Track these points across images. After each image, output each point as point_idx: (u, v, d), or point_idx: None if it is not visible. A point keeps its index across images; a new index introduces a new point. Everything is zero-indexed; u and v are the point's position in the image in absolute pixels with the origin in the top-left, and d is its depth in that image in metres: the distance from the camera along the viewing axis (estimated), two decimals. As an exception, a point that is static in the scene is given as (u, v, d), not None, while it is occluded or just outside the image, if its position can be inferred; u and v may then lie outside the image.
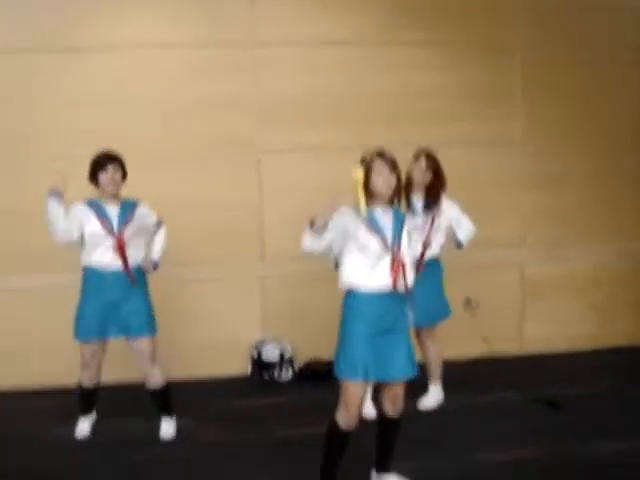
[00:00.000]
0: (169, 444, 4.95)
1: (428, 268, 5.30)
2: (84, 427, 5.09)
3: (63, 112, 6.02)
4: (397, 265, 3.91)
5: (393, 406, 4.09)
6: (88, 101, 6.04)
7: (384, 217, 3.97)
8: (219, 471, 4.52)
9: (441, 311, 5.48)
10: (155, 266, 5.05)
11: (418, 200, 5.31)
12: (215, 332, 6.32)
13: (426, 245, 5.30)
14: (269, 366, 6.27)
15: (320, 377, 6.16)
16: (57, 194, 4.72)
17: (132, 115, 6.07)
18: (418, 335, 5.45)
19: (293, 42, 6.28)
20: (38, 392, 5.96)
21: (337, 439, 4.05)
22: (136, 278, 4.95)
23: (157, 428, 5.11)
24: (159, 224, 5.14)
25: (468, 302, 6.46)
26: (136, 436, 5.05)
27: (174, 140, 6.16)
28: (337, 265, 4.07)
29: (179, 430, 5.13)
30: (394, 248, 3.92)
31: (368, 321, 3.91)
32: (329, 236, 3.88)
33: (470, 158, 6.39)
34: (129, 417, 5.27)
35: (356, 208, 3.91)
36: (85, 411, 5.13)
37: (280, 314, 6.41)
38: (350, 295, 3.98)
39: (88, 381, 5.02)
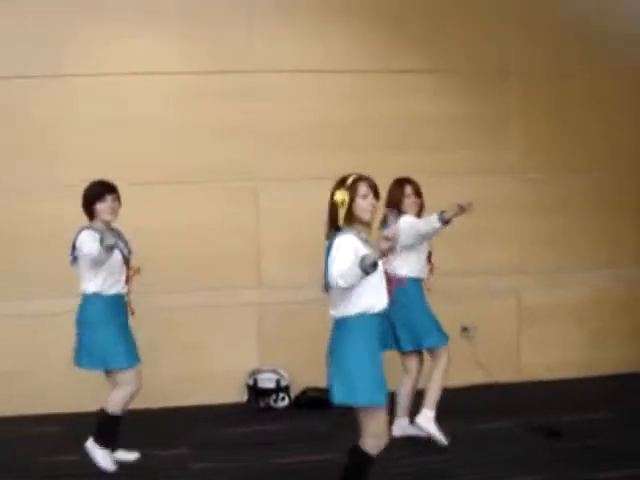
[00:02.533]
0: (164, 471, 4.89)
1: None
2: (112, 459, 4.92)
3: (60, 137, 6.03)
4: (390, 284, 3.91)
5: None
6: (82, 126, 6.04)
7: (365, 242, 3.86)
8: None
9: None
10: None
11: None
12: (211, 359, 6.28)
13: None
14: (265, 393, 6.24)
15: (316, 405, 6.12)
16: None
17: (130, 141, 6.08)
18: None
19: (294, 69, 6.31)
20: (40, 418, 5.90)
21: (369, 466, 3.92)
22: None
23: (149, 456, 5.06)
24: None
25: (465, 329, 6.45)
26: (129, 463, 4.98)
27: (172, 166, 6.17)
28: (326, 289, 3.92)
29: (173, 457, 5.09)
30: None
31: (369, 344, 3.81)
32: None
33: (468, 185, 6.39)
34: (119, 445, 5.21)
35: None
36: (113, 442, 4.94)
37: (276, 341, 6.38)
38: (360, 318, 3.82)
39: (124, 407, 4.92)
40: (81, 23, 6.04)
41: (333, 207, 3.88)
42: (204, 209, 6.24)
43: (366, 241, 3.83)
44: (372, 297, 3.83)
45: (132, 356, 4.86)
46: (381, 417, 3.84)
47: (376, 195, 3.90)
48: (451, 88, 6.50)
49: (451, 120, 6.49)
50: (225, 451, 5.23)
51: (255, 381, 6.28)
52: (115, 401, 4.87)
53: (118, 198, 4.85)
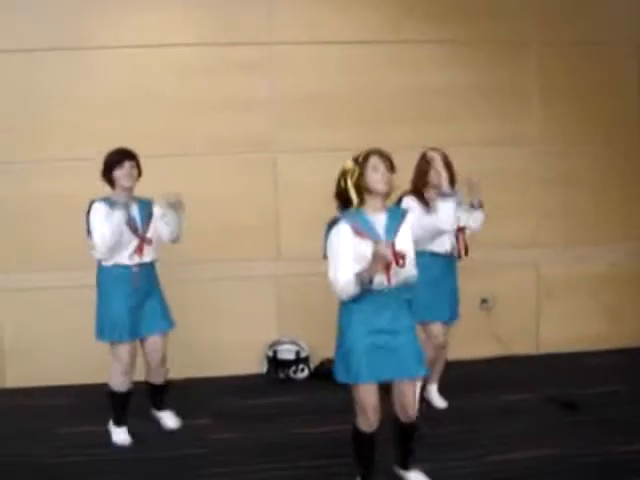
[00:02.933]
0: (183, 442, 4.97)
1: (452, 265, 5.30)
2: (124, 435, 4.98)
3: (73, 111, 6.06)
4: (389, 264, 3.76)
5: (402, 411, 4.04)
6: (101, 100, 6.07)
7: (377, 221, 3.85)
8: (234, 468, 4.53)
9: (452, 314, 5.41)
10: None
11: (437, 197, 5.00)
12: (231, 331, 6.34)
13: (460, 232, 5.22)
14: (285, 365, 6.29)
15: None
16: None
17: (147, 114, 6.09)
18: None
19: (309, 41, 6.28)
20: (52, 389, 6.01)
21: (364, 444, 4.02)
22: (152, 274, 5.01)
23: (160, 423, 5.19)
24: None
25: (484, 301, 6.47)
26: (149, 434, 5.09)
27: (190, 139, 6.18)
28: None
29: (194, 427, 5.17)
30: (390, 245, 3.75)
31: (367, 321, 3.83)
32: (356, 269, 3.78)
33: (484, 157, 6.37)
34: (140, 416, 5.26)
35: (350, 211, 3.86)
36: (123, 420, 5.01)
37: (296, 313, 6.41)
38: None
39: (127, 384, 4.95)
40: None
41: (341, 180, 3.90)
42: (221, 181, 6.26)
43: (369, 224, 3.82)
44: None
45: (123, 330, 4.83)
46: (360, 394, 3.88)
47: (391, 168, 3.86)
48: (467, 59, 6.45)
49: (466, 92, 6.44)
50: (245, 422, 5.29)
51: (275, 352, 6.32)
52: (111, 377, 4.94)
53: (137, 165, 4.89)
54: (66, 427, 5.24)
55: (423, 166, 5.14)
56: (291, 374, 6.29)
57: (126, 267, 4.84)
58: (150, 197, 5.04)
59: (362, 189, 3.84)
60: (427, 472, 4.26)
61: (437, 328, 5.29)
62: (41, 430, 5.20)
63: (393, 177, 3.87)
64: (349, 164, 3.88)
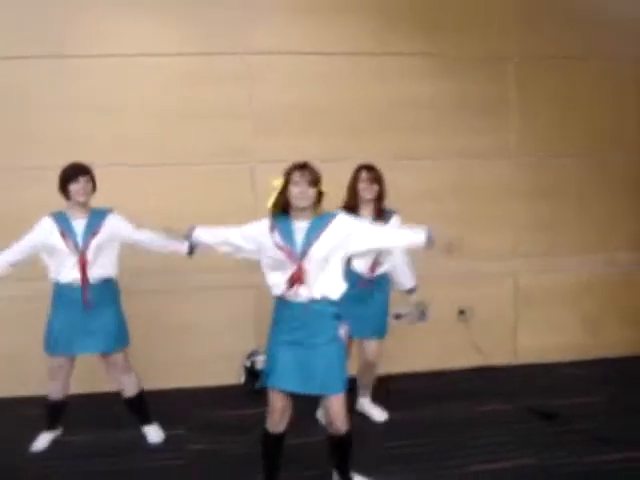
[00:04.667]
0: (160, 452, 4.95)
1: (376, 285, 5.27)
2: (43, 441, 5.07)
3: (54, 119, 6.01)
4: (299, 274, 3.90)
5: (331, 424, 4.08)
6: (80, 109, 6.03)
7: (298, 228, 3.95)
8: (210, 479, 4.51)
9: (377, 328, 5.39)
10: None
11: (367, 217, 5.13)
12: (208, 342, 6.31)
13: (376, 264, 5.20)
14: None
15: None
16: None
17: (125, 123, 6.06)
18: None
19: (289, 51, 6.27)
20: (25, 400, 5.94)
21: (268, 443, 4.20)
22: (104, 291, 4.94)
23: (144, 437, 5.15)
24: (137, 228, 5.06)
25: (462, 312, 6.48)
26: (125, 445, 5.05)
27: (168, 149, 6.15)
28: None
29: (170, 438, 5.15)
30: (301, 257, 3.89)
31: (284, 330, 3.99)
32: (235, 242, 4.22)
33: (463, 169, 6.40)
34: (114, 426, 5.27)
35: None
36: (51, 426, 5.13)
37: (274, 323, 6.39)
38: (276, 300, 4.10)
39: (55, 393, 5.03)
40: (81, 4, 6.00)
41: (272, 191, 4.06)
42: (202, 191, 6.24)
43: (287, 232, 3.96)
44: (270, 281, 4.06)
45: (54, 345, 4.90)
46: (270, 397, 4.10)
47: (313, 183, 3.95)
48: (448, 72, 6.46)
49: (447, 104, 6.47)
50: (222, 433, 5.27)
51: (252, 363, 6.30)
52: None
53: (91, 179, 4.89)
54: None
55: (352, 182, 5.22)
56: (269, 385, 6.26)
57: (67, 285, 4.86)
58: (108, 207, 4.99)
59: (286, 201, 4.00)
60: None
61: (366, 345, 5.36)
62: (16, 440, 5.14)
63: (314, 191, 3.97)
64: (277, 182, 4.07)
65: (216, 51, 6.21)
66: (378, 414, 5.49)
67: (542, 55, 6.59)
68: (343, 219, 4.03)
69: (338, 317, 4.00)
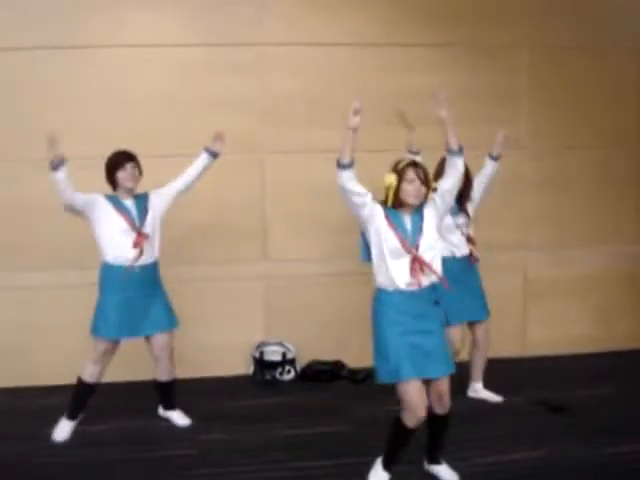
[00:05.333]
0: (170, 442, 4.94)
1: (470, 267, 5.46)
2: (65, 431, 5.02)
3: (67, 109, 6.00)
4: (417, 264, 3.98)
5: (439, 403, 4.13)
6: (90, 99, 6.03)
7: (407, 221, 4.06)
8: (221, 469, 4.51)
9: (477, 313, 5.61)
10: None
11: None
12: (218, 332, 6.31)
13: (471, 242, 5.44)
14: (271, 366, 6.27)
15: (322, 378, 6.17)
16: (59, 163, 4.69)
17: (135, 113, 6.06)
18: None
19: (298, 42, 6.26)
20: (39, 389, 5.97)
21: (403, 436, 4.12)
22: (155, 273, 5.05)
23: (157, 427, 5.16)
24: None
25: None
26: (137, 434, 5.06)
27: (177, 139, 6.13)
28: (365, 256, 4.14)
29: (181, 428, 5.17)
30: (412, 248, 3.98)
31: (398, 321, 3.98)
32: (360, 190, 4.02)
33: (474, 160, 6.34)
34: (125, 416, 5.28)
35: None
36: (74, 414, 5.05)
37: (283, 314, 6.40)
38: (377, 294, 4.09)
39: (92, 377, 5.00)
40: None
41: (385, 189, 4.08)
42: (208, 181, 6.19)
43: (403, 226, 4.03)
44: (382, 275, 4.02)
45: (108, 328, 4.89)
46: (405, 392, 3.98)
47: (426, 183, 4.05)
48: (458, 62, 6.43)
49: (457, 95, 6.38)
50: (231, 423, 5.26)
51: (261, 354, 6.30)
52: (83, 366, 5.02)
53: (138, 166, 4.98)
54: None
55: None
56: (277, 375, 6.27)
57: (121, 266, 4.87)
58: (145, 191, 5.07)
59: (398, 198, 4.06)
60: (412, 474, 4.30)
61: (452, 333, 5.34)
62: (28, 430, 5.15)
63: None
64: (388, 179, 4.08)
65: (225, 42, 6.20)
66: (493, 396, 5.66)
67: (554, 45, 6.56)
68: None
69: (437, 303, 4.09)
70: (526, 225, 6.68)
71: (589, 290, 6.81)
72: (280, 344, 6.35)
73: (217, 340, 6.29)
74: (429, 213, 4.10)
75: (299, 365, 6.37)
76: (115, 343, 4.98)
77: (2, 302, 6.10)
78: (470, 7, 6.44)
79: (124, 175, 4.88)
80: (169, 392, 5.26)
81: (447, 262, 5.14)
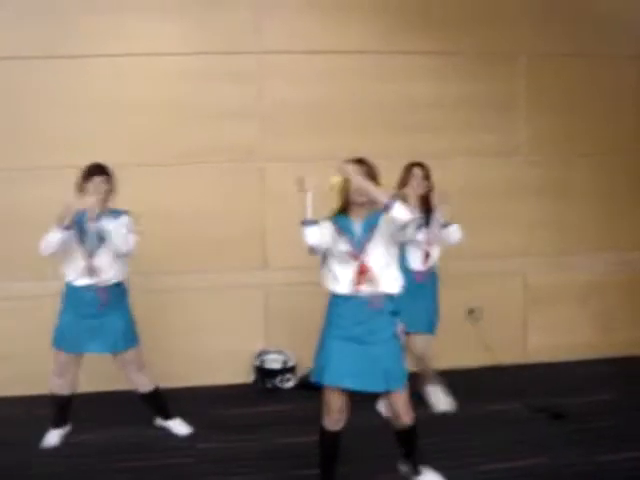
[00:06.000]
0: (169, 451, 4.94)
1: (429, 278, 5.39)
2: (53, 438, 5.06)
3: (64, 119, 6.01)
4: (363, 270, 3.96)
5: (394, 418, 4.12)
6: (88, 108, 6.02)
7: (356, 224, 4.05)
8: (220, 478, 4.52)
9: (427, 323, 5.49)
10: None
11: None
12: (218, 341, 6.31)
13: (427, 256, 5.35)
14: (271, 374, 6.26)
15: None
16: (69, 227, 4.72)
17: (133, 122, 6.06)
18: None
19: (298, 50, 6.27)
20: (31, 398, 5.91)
21: (325, 440, 4.15)
22: (114, 292, 4.96)
23: (156, 436, 5.16)
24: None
25: (471, 311, 6.46)
26: (135, 443, 5.06)
27: (177, 147, 6.15)
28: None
29: (180, 437, 5.17)
30: (360, 253, 3.97)
31: (342, 326, 3.99)
32: (322, 230, 4.06)
33: (473, 168, 6.39)
34: (126, 424, 5.28)
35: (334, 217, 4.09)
36: (58, 423, 5.10)
37: (283, 322, 6.40)
38: (330, 299, 4.11)
39: (59, 388, 5.03)
40: (84, 4, 6.00)
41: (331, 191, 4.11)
42: (209, 190, 6.24)
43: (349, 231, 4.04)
44: (332, 280, 4.08)
45: (60, 342, 4.92)
46: (326, 394, 4.05)
47: (372, 179, 4.01)
48: (456, 70, 6.45)
49: (456, 102, 6.46)
50: (231, 431, 5.26)
51: (262, 362, 6.30)
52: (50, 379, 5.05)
53: (108, 180, 4.88)
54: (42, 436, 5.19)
55: (403, 179, 5.37)
56: (278, 384, 6.27)
57: (76, 287, 4.89)
58: (125, 209, 4.98)
59: (345, 198, 4.08)
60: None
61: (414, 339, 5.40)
62: (23, 439, 5.14)
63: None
64: (335, 179, 4.09)
65: (224, 50, 6.20)
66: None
67: (552, 53, 6.57)
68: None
69: (395, 314, 4.06)
70: (526, 232, 6.68)
71: (589, 297, 6.80)
72: (280, 352, 6.35)
73: (217, 348, 6.29)
74: (383, 225, 4.00)
75: (299, 373, 6.36)
76: (75, 356, 4.99)
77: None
78: (469, 15, 6.45)
79: (90, 187, 4.80)
80: (157, 403, 5.24)
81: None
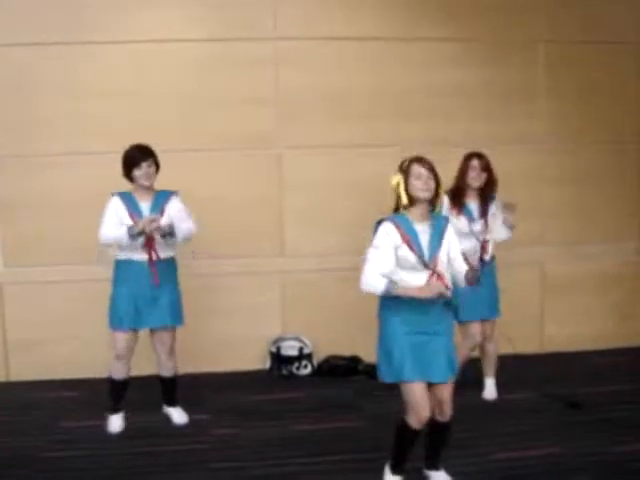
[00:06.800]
0: (185, 436, 4.97)
1: (489, 267, 5.43)
2: (117, 422, 5.09)
3: (81, 105, 6.04)
4: (434, 278, 3.90)
5: (439, 409, 4.06)
6: (107, 95, 6.04)
7: (422, 231, 3.95)
8: (236, 464, 4.53)
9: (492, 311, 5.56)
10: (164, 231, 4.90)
11: (474, 204, 5.35)
12: (235, 327, 6.33)
13: (485, 248, 5.36)
14: (288, 361, 6.27)
15: (339, 373, 6.17)
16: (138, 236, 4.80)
17: (151, 110, 6.07)
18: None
19: (315, 37, 6.25)
20: (55, 383, 6.03)
21: (409, 438, 4.07)
22: (167, 270, 5.03)
23: (170, 420, 5.20)
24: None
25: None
26: (150, 428, 5.10)
27: (194, 135, 6.16)
28: None
29: (194, 423, 5.18)
30: (431, 262, 3.91)
31: (406, 321, 3.92)
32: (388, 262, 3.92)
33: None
34: (142, 409, 5.30)
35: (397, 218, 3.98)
36: (118, 407, 5.12)
37: (300, 309, 6.41)
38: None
39: (119, 374, 5.05)
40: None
41: (394, 192, 4.01)
42: (226, 177, 6.24)
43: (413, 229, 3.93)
44: (403, 282, 3.91)
45: (120, 320, 4.95)
46: (409, 392, 3.94)
47: (434, 176, 3.94)
48: (476, 57, 6.41)
49: (474, 90, 6.42)
50: (247, 418, 5.28)
51: (278, 348, 6.31)
52: (110, 364, 5.08)
53: (155, 163, 4.97)
54: (69, 421, 5.24)
55: (462, 168, 5.37)
56: (294, 370, 6.28)
57: (135, 262, 4.92)
58: (174, 190, 5.08)
59: (407, 195, 3.96)
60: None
61: (474, 327, 5.45)
62: (43, 423, 5.21)
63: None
64: (396, 179, 3.98)
65: (243, 37, 6.19)
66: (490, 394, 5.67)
67: (571, 40, 6.51)
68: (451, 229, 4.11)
69: (449, 304, 4.03)
70: (544, 221, 6.64)
71: (607, 286, 6.76)
72: (297, 339, 6.35)
73: (234, 334, 6.31)
74: (450, 233, 4.04)
75: (316, 360, 6.37)
76: (133, 335, 5.01)
77: (23, 296, 6.15)
78: (487, 2, 6.40)
79: (140, 174, 4.88)
80: (169, 388, 5.26)
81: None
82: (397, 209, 4.02)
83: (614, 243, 6.76)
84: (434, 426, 4.11)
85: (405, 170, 3.95)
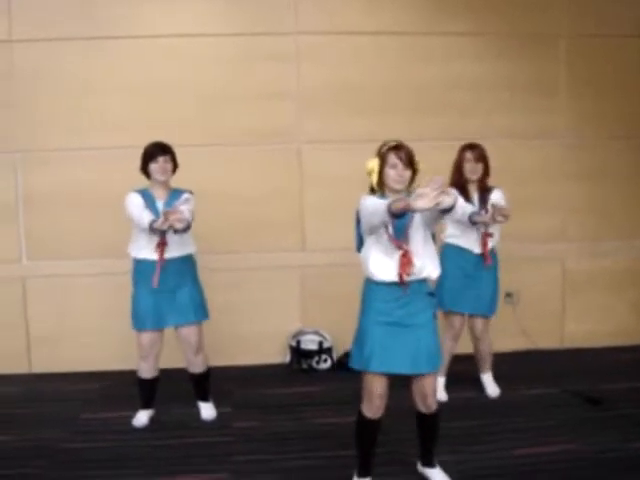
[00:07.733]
0: (207, 429, 5.01)
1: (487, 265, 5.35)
2: (143, 419, 5.11)
3: (103, 100, 6.09)
4: (406, 259, 3.85)
5: (422, 402, 4.06)
6: (128, 90, 6.10)
7: None
8: (256, 457, 4.56)
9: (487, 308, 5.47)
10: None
11: (475, 195, 5.30)
12: (255, 321, 6.36)
13: (487, 237, 5.27)
14: (308, 355, 6.30)
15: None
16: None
17: (172, 104, 6.11)
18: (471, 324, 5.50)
19: (335, 31, 6.26)
20: (77, 375, 6.11)
21: (365, 429, 4.07)
22: (184, 267, 5.02)
23: (194, 414, 5.22)
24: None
25: (508, 295, 6.43)
26: (174, 421, 5.15)
27: (214, 129, 6.20)
28: (359, 248, 4.04)
29: (217, 416, 5.22)
30: (401, 243, 3.85)
31: (383, 311, 3.91)
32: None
33: (511, 150, 6.34)
34: (166, 402, 5.34)
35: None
36: (146, 404, 5.15)
37: (319, 304, 6.43)
38: (366, 282, 4.02)
39: (146, 373, 5.09)
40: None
41: (367, 175, 3.97)
42: (246, 171, 6.27)
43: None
44: (373, 265, 3.91)
45: (143, 320, 4.96)
46: (368, 381, 3.97)
47: (410, 166, 3.88)
48: (496, 52, 6.40)
49: (494, 84, 6.40)
50: (267, 411, 5.31)
51: (298, 342, 6.34)
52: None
53: (172, 159, 4.96)
54: (90, 413, 5.31)
55: (457, 162, 5.31)
56: (314, 364, 6.30)
57: (150, 261, 4.91)
58: (189, 189, 5.05)
59: (381, 183, 3.94)
60: (447, 465, 4.27)
61: (457, 319, 5.41)
62: (65, 415, 5.27)
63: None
64: (370, 164, 3.95)
65: (263, 31, 6.21)
66: (492, 390, 5.60)
67: (593, 34, 6.48)
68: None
69: (433, 294, 4.01)
70: (564, 217, 6.62)
71: (627, 282, 6.74)
72: (317, 333, 6.37)
73: (254, 329, 6.34)
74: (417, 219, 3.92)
75: (335, 354, 6.39)
76: (158, 334, 5.03)
77: (46, 289, 6.21)
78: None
79: (155, 167, 4.88)
80: (200, 384, 5.27)
81: (465, 254, 5.26)
82: (373, 191, 3.98)
83: (634, 239, 6.72)
84: (420, 419, 4.13)
85: (382, 157, 3.91)
